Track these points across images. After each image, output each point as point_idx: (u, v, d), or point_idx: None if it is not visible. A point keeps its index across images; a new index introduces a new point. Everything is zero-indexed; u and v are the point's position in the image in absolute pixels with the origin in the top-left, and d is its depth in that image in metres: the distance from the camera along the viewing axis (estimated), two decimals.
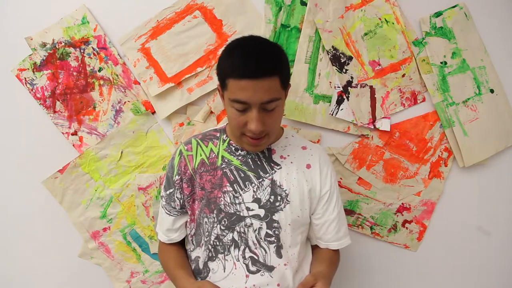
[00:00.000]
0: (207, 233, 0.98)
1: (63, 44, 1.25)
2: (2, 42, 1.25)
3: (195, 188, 1.00)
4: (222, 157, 0.99)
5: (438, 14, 1.27)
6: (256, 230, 0.95)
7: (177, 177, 1.01)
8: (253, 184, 0.97)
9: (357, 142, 1.31)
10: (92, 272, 1.36)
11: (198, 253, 1.02)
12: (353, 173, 1.33)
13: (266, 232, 0.95)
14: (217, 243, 0.97)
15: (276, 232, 0.96)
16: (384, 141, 1.31)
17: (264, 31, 1.24)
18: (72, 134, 1.29)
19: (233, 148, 1.00)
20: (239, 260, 0.95)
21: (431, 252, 1.39)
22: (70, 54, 1.25)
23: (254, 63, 0.84)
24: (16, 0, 1.23)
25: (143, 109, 1.29)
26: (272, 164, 0.99)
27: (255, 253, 0.95)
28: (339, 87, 1.27)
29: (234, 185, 0.97)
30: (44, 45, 1.24)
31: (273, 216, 0.96)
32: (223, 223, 0.96)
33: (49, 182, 1.29)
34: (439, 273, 1.41)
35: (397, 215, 1.36)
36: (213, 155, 1.00)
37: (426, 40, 1.27)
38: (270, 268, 0.95)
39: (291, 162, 1.00)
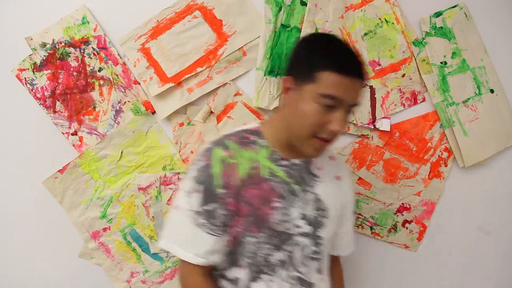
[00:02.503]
0: (251, 254, 0.87)
1: (63, 44, 1.25)
2: (2, 42, 1.25)
3: (240, 203, 0.85)
4: (266, 167, 0.87)
5: (438, 14, 1.27)
6: (303, 248, 0.89)
7: (221, 190, 0.84)
8: (299, 199, 0.88)
9: (357, 142, 1.31)
10: (92, 272, 1.36)
11: (237, 273, 0.89)
12: (353, 173, 1.33)
13: (312, 249, 0.90)
14: (263, 263, 0.87)
15: (320, 249, 0.91)
16: (384, 141, 1.31)
17: (264, 31, 1.24)
18: (72, 134, 1.29)
19: (277, 158, 0.88)
20: (285, 281, 0.88)
21: (431, 252, 1.39)
22: (70, 54, 1.25)
23: (356, 62, 0.81)
24: (16, 0, 1.23)
25: (143, 109, 1.29)
26: (312, 176, 0.92)
27: (300, 272, 0.89)
28: None
29: (282, 200, 0.86)
30: (44, 45, 1.24)
31: (318, 233, 0.90)
32: (272, 242, 0.86)
33: (49, 182, 1.29)
34: (439, 273, 1.41)
35: (397, 215, 1.36)
36: (255, 164, 0.86)
37: (426, 40, 1.27)
38: (311, 285, 0.90)
39: (326, 174, 0.94)
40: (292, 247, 0.87)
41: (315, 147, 0.84)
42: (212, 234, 0.85)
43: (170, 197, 1.30)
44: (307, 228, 0.88)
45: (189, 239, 0.86)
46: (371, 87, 1.28)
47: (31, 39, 1.23)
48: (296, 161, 0.90)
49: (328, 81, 0.78)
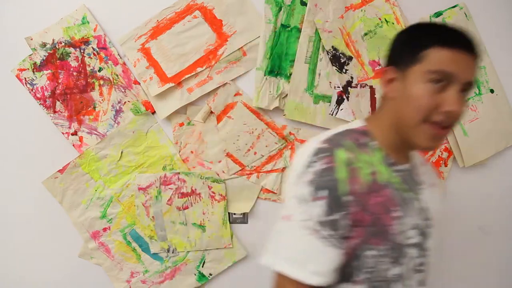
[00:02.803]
0: (370, 269, 0.77)
1: (63, 44, 1.25)
2: (2, 42, 1.25)
3: (363, 212, 0.75)
4: (382, 172, 0.78)
5: (438, 14, 1.27)
6: (413, 260, 0.81)
7: (347, 197, 0.73)
8: (411, 207, 0.80)
9: None
10: (92, 272, 1.36)
11: None
12: None
13: (418, 261, 0.82)
14: (381, 279, 0.77)
15: (426, 260, 0.85)
16: None
17: (264, 31, 1.24)
18: (72, 134, 1.29)
19: (390, 162, 0.79)
20: None
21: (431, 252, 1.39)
22: (70, 54, 1.25)
23: (464, 35, 0.74)
24: (16, 0, 1.23)
25: (143, 109, 1.29)
26: (417, 183, 0.84)
27: (406, 285, 0.81)
28: (339, 87, 1.27)
29: (400, 208, 0.78)
30: (44, 45, 1.24)
31: (426, 243, 0.84)
32: (391, 255, 0.77)
33: (49, 182, 1.29)
34: (439, 273, 1.41)
35: None
36: (373, 169, 0.77)
37: None
38: None
39: (426, 181, 0.87)
40: (407, 260, 0.79)
41: (430, 134, 0.75)
42: (336, 248, 0.73)
43: (170, 197, 1.30)
44: (417, 239, 0.81)
45: (307, 254, 0.73)
46: (371, 87, 1.28)
47: (31, 39, 1.24)
48: (406, 166, 0.82)
49: (435, 57, 0.73)
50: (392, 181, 0.78)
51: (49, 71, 1.26)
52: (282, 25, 1.25)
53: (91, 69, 1.26)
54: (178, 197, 1.31)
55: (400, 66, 0.77)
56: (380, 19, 1.25)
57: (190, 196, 1.31)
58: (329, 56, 1.25)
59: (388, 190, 0.77)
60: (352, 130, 0.81)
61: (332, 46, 1.25)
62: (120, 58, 1.26)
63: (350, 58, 1.26)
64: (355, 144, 0.77)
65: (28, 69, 1.25)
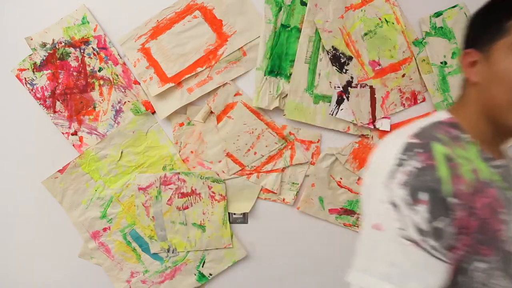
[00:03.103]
0: (480, 285, 0.65)
1: (63, 44, 1.25)
2: (2, 42, 1.25)
3: (470, 216, 0.63)
4: (482, 169, 0.66)
5: (438, 14, 1.27)
6: None
7: (453, 199, 0.60)
8: None
9: (357, 142, 1.31)
10: (92, 272, 1.36)
11: None
12: (353, 173, 1.33)
13: None
14: None
15: None
16: None
17: (264, 31, 1.24)
18: (72, 134, 1.29)
19: (487, 157, 0.68)
20: None
21: None
22: (70, 54, 1.25)
23: None
24: (16, 0, 1.23)
25: (143, 109, 1.29)
26: None
27: None
28: (339, 87, 1.27)
29: (506, 211, 0.66)
30: (44, 45, 1.24)
31: None
32: (502, 267, 0.65)
33: (49, 182, 1.29)
34: None
35: None
36: (472, 165, 0.65)
37: (426, 40, 1.27)
38: None
39: None
40: None
41: None
42: (442, 261, 0.60)
43: (170, 197, 1.30)
44: None
45: (408, 270, 0.60)
46: (371, 87, 1.28)
47: (31, 39, 1.24)
48: (502, 161, 0.72)
49: None
50: (494, 178, 0.67)
51: (49, 71, 1.26)
52: (282, 25, 1.25)
53: (91, 69, 1.26)
54: (178, 197, 1.31)
55: (482, 45, 0.68)
56: (380, 19, 1.25)
57: (190, 196, 1.31)
58: (329, 56, 1.25)
59: (492, 189, 0.65)
60: (440, 122, 0.70)
61: (332, 46, 1.25)
62: (120, 58, 1.26)
63: (350, 58, 1.26)
64: (448, 138, 0.65)
65: (28, 69, 1.25)
